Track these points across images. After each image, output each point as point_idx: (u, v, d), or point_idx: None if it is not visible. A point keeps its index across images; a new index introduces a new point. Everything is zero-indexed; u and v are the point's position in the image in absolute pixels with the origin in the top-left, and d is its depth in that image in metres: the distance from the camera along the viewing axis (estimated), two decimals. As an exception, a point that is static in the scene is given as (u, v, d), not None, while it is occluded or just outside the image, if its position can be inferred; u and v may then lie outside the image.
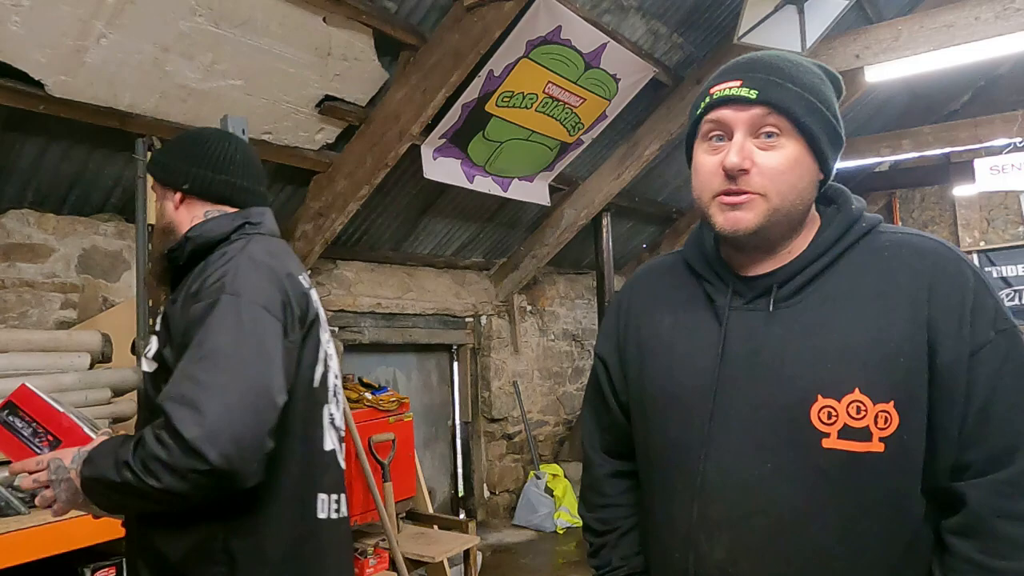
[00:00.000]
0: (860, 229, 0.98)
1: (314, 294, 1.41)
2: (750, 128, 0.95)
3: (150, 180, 1.49)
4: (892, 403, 0.91)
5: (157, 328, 1.32)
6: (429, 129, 3.73)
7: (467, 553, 3.61)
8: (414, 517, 3.92)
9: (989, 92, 7.76)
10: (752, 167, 0.93)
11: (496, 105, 3.84)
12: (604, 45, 3.80)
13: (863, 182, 7.96)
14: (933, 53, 4.18)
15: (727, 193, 0.95)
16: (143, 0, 2.50)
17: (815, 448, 0.92)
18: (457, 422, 5.75)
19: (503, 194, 4.55)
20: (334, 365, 1.43)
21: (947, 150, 6.14)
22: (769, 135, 0.94)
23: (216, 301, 1.18)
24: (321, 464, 1.33)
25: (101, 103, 2.74)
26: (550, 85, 3.90)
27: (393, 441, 3.61)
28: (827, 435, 0.92)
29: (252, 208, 1.43)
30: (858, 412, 0.91)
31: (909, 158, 7.12)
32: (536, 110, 4.04)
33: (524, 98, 3.91)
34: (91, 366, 2.41)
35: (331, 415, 1.38)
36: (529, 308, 6.19)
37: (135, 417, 1.50)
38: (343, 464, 1.42)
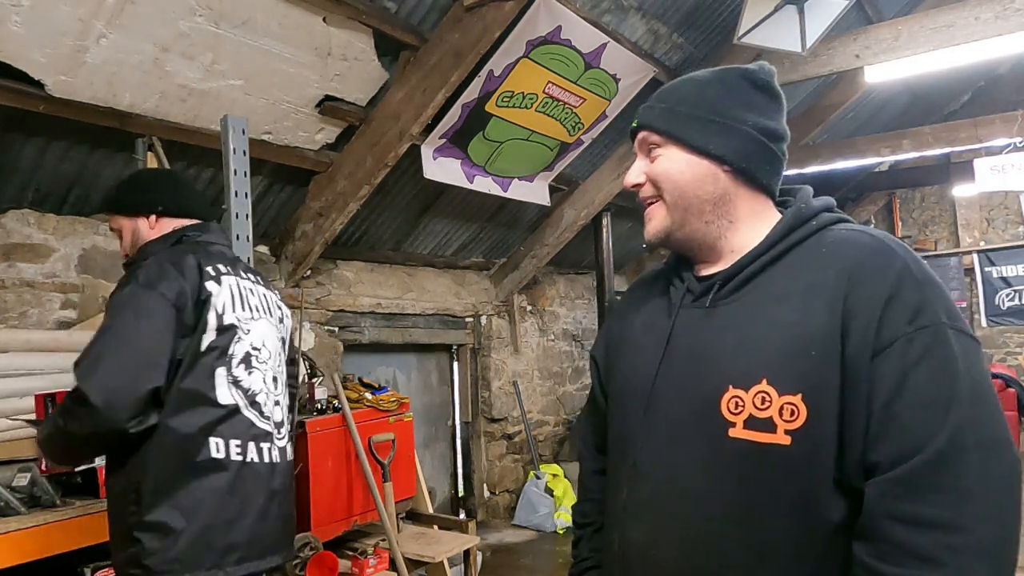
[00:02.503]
0: (809, 228, 1.00)
1: (228, 282, 1.74)
2: (643, 150, 1.11)
3: (111, 221, 1.91)
4: (800, 396, 0.90)
5: None
6: (429, 129, 3.73)
7: (467, 553, 3.61)
8: (414, 517, 3.92)
9: (989, 92, 7.76)
10: (645, 180, 1.09)
11: (496, 105, 3.84)
12: (604, 45, 3.80)
13: (863, 182, 7.96)
14: (933, 53, 4.17)
15: (643, 210, 1.11)
16: (143, 0, 2.50)
17: (723, 437, 0.94)
18: (457, 422, 5.75)
19: (503, 194, 4.55)
20: (266, 344, 1.80)
21: (947, 150, 6.13)
22: (651, 150, 1.09)
23: (119, 295, 1.64)
24: (214, 414, 1.63)
25: (101, 103, 2.74)
26: (550, 85, 3.90)
27: (393, 441, 3.60)
28: (733, 424, 0.94)
29: (203, 223, 1.92)
30: (763, 403, 0.92)
31: (909, 158, 7.12)
32: (536, 110, 4.04)
33: (524, 98, 3.91)
34: (91, 366, 2.40)
35: (234, 377, 1.69)
36: (529, 308, 6.19)
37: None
38: (259, 421, 1.73)
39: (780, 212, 1.07)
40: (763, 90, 1.06)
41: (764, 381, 0.92)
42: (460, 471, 5.74)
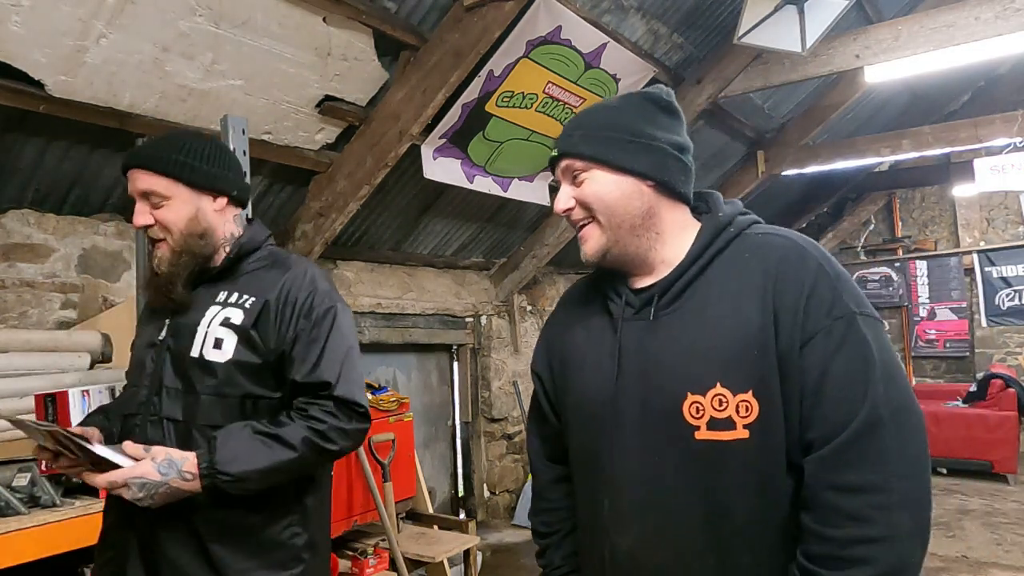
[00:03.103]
0: (729, 234, 1.10)
1: None
2: (566, 178, 1.17)
3: (150, 183, 1.46)
4: (751, 392, 1.01)
5: (235, 322, 1.43)
6: (429, 129, 3.73)
7: (467, 553, 3.61)
8: (414, 517, 3.92)
9: (989, 92, 7.76)
10: (575, 205, 1.16)
11: (496, 105, 3.84)
12: (604, 45, 3.80)
13: (863, 182, 7.97)
14: (933, 53, 4.18)
15: (576, 233, 1.17)
16: (143, 0, 2.50)
17: (690, 441, 1.03)
18: (457, 422, 5.75)
19: (503, 194, 4.55)
20: None
21: (947, 150, 6.13)
22: (575, 176, 1.15)
23: (333, 307, 1.48)
24: None
25: (101, 103, 2.74)
26: (550, 85, 3.90)
27: (393, 441, 3.61)
28: (698, 428, 1.03)
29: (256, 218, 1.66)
30: (721, 404, 1.02)
31: (909, 158, 7.12)
32: (536, 110, 4.04)
33: (524, 98, 3.91)
34: (91, 366, 2.41)
35: None
36: (529, 308, 6.19)
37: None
38: None
39: (696, 218, 1.17)
40: (666, 110, 1.16)
41: (719, 384, 1.02)
42: (460, 471, 5.74)
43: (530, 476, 5.95)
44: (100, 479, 1.30)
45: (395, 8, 3.18)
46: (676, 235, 1.13)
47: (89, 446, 1.28)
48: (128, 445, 1.34)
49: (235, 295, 1.47)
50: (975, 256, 8.16)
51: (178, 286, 1.46)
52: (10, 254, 2.92)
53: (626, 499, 1.09)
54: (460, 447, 5.75)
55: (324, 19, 2.98)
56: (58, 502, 2.01)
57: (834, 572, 0.95)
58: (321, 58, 3.12)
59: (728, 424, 1.01)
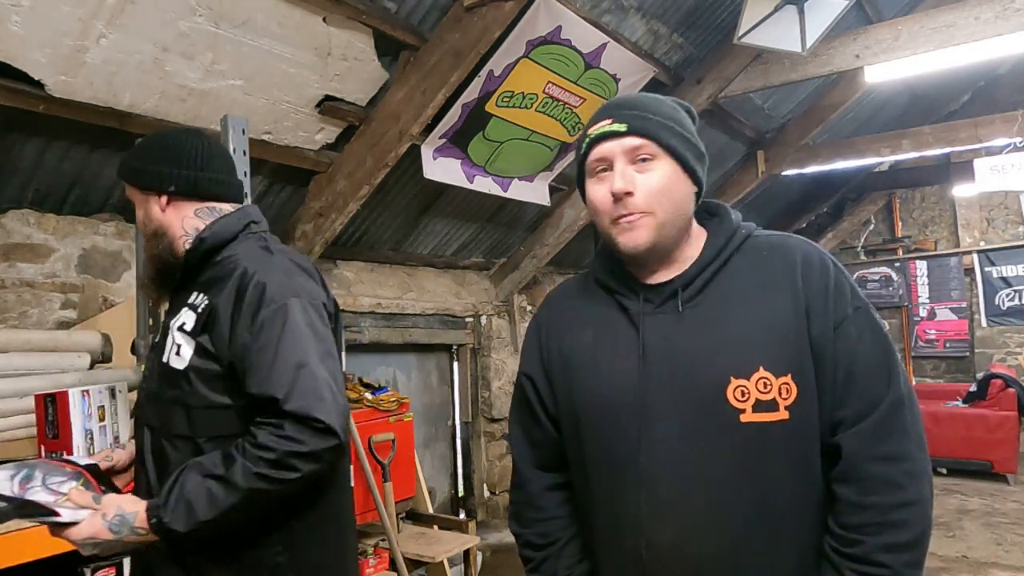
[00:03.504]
0: (741, 236, 1.16)
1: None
2: (627, 157, 1.10)
3: (129, 192, 1.51)
4: (790, 376, 1.06)
5: (187, 328, 1.35)
6: (429, 129, 3.73)
7: (467, 553, 3.61)
8: (414, 517, 3.92)
9: (989, 92, 7.76)
10: (635, 189, 1.09)
11: (496, 105, 3.84)
12: (604, 45, 3.80)
13: (863, 182, 7.96)
14: (933, 53, 4.18)
15: (621, 217, 1.10)
16: (143, 0, 2.50)
17: (735, 424, 1.06)
18: (457, 422, 5.75)
19: (503, 194, 4.55)
20: None
21: (947, 150, 6.13)
22: (644, 159, 1.10)
23: (285, 304, 1.30)
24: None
25: (101, 103, 2.74)
26: (550, 85, 3.90)
27: (393, 441, 3.61)
28: (743, 411, 1.06)
29: (248, 206, 1.55)
30: (765, 387, 1.06)
31: (909, 158, 7.12)
32: (536, 110, 4.04)
33: (524, 98, 3.91)
34: (91, 366, 2.40)
35: None
36: (529, 308, 6.19)
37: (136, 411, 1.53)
38: None
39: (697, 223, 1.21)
40: (693, 120, 1.20)
41: (761, 368, 1.06)
42: (460, 471, 5.74)
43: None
44: (57, 536, 1.27)
45: (395, 8, 3.18)
46: (693, 237, 1.18)
47: (44, 515, 1.23)
48: (75, 494, 1.27)
49: (196, 295, 1.37)
50: (975, 256, 8.16)
51: (150, 287, 1.49)
52: (10, 254, 2.92)
53: (661, 491, 1.08)
54: (460, 447, 5.75)
55: (324, 19, 2.98)
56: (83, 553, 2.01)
57: (879, 538, 1.02)
58: (321, 58, 3.12)
59: (772, 406, 1.05)
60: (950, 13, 4.10)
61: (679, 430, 1.07)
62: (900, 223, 8.93)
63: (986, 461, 6.39)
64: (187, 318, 1.35)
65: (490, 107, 3.83)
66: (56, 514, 1.23)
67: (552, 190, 4.96)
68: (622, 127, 1.10)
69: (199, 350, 1.32)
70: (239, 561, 1.32)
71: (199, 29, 2.71)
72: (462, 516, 5.46)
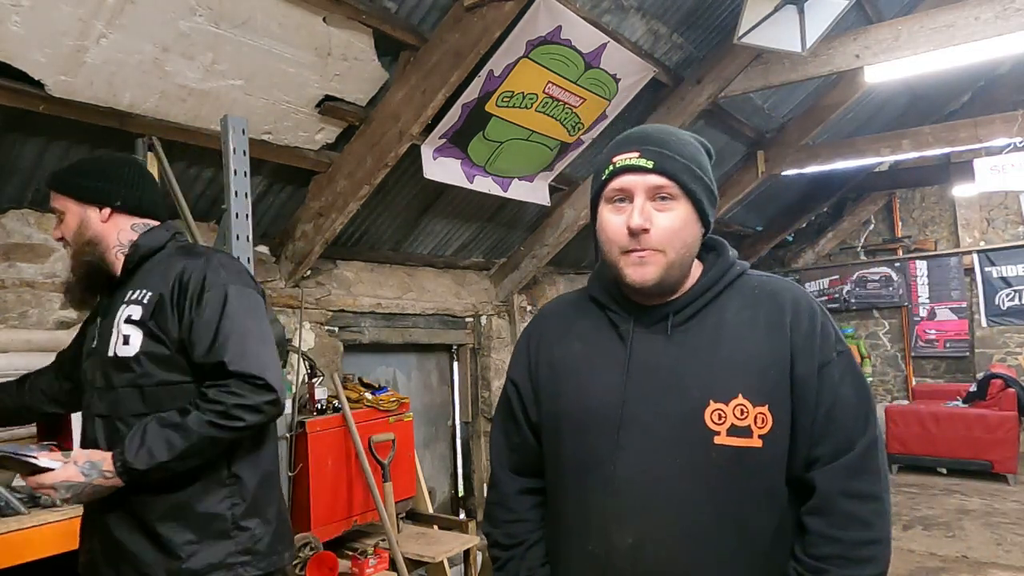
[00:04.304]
0: (735, 272, 1.22)
1: None
2: (648, 193, 1.13)
3: (54, 201, 1.68)
4: (767, 406, 1.12)
5: (135, 317, 1.56)
6: (429, 129, 3.73)
7: (467, 553, 3.61)
8: (414, 517, 3.92)
9: (989, 92, 7.76)
10: (652, 227, 1.13)
11: (496, 105, 3.84)
12: (604, 45, 3.80)
13: (863, 182, 7.96)
14: (933, 53, 4.17)
15: (633, 250, 1.14)
16: (143, 0, 2.50)
17: (709, 445, 1.11)
18: (457, 422, 5.75)
19: (503, 194, 4.55)
20: None
21: (947, 150, 6.13)
22: (664, 198, 1.14)
23: (224, 289, 1.56)
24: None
25: (101, 103, 2.74)
26: (550, 85, 3.90)
27: (393, 441, 3.61)
28: (718, 433, 1.11)
29: (172, 222, 1.80)
30: (742, 413, 1.11)
31: (909, 158, 7.12)
32: (536, 110, 4.04)
33: (524, 98, 3.91)
34: (91, 366, 2.40)
35: None
36: (529, 308, 6.19)
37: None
38: None
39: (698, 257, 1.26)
40: (710, 158, 1.23)
41: (740, 395, 1.11)
42: (460, 471, 5.74)
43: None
44: (31, 481, 1.46)
45: (395, 8, 3.18)
46: (691, 270, 1.23)
47: (24, 457, 1.45)
48: (47, 453, 1.49)
49: (136, 291, 1.59)
50: (975, 256, 8.16)
51: (75, 291, 1.66)
52: (10, 254, 2.92)
53: (628, 498, 1.13)
54: (460, 447, 5.75)
55: (324, 19, 2.98)
56: (58, 502, 2.01)
57: (841, 570, 1.08)
58: (321, 58, 3.12)
59: (746, 432, 1.11)
60: (950, 13, 4.10)
61: (653, 443, 1.13)
62: (900, 223, 8.93)
63: (986, 461, 6.39)
64: (132, 311, 1.56)
65: (490, 107, 3.83)
66: (34, 457, 1.44)
67: (552, 190, 4.96)
68: (648, 163, 1.13)
69: (149, 335, 1.54)
70: (193, 515, 1.53)
71: (199, 29, 2.70)
72: (462, 516, 5.46)
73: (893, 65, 4.35)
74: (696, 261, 1.24)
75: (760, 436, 1.11)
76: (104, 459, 1.47)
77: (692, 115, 4.82)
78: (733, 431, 1.11)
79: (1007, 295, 7.98)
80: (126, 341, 1.54)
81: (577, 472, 1.21)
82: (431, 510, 4.18)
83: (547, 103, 4.03)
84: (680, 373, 1.14)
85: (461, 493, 5.73)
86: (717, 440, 1.11)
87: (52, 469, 1.45)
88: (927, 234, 8.79)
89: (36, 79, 2.53)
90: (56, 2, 2.36)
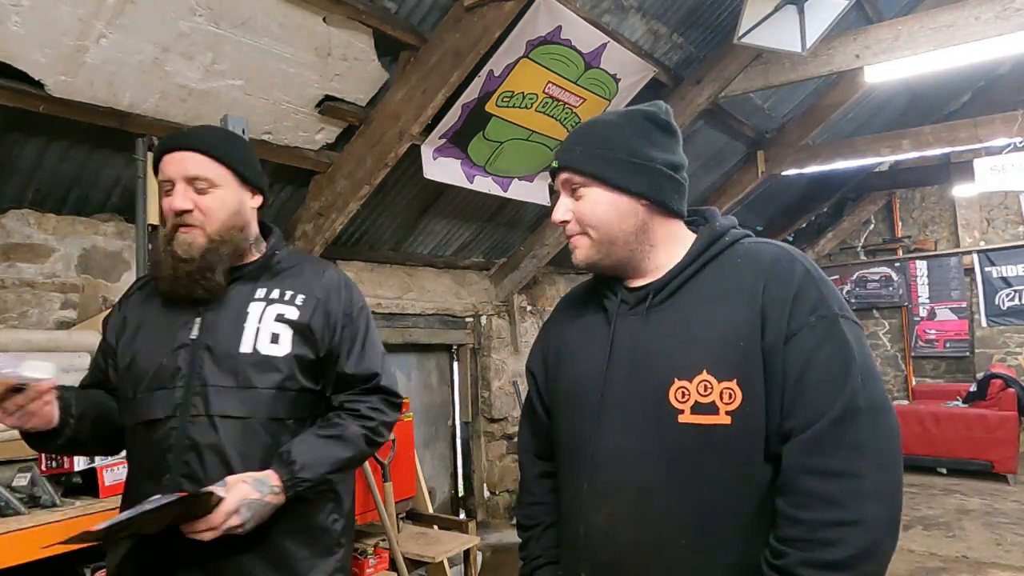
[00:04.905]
0: (723, 243, 1.18)
1: None
2: (565, 188, 1.22)
3: (202, 167, 1.41)
4: (735, 381, 1.06)
5: (290, 317, 1.45)
6: (429, 129, 3.73)
7: (467, 553, 3.61)
8: (414, 517, 3.92)
9: (989, 92, 7.76)
10: (569, 217, 1.21)
11: (496, 105, 3.84)
12: (604, 45, 3.80)
13: (863, 182, 7.97)
14: (933, 53, 4.17)
15: (568, 239, 1.24)
16: (143, 0, 2.50)
17: (673, 424, 1.08)
18: (457, 422, 5.75)
19: (503, 194, 4.55)
20: None
21: (947, 150, 6.13)
22: (574, 190, 1.21)
23: (365, 307, 1.57)
24: None
25: (101, 103, 2.74)
26: (550, 85, 3.90)
27: (393, 441, 3.60)
28: (682, 411, 1.08)
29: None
30: (706, 390, 1.07)
31: (909, 158, 7.12)
32: (536, 110, 4.04)
33: (524, 98, 3.91)
34: (91, 366, 2.40)
35: None
36: (529, 308, 6.19)
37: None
38: None
39: (691, 231, 1.24)
40: (664, 129, 1.22)
41: (705, 371, 1.08)
42: (460, 471, 5.74)
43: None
44: (220, 515, 1.24)
45: (395, 8, 3.18)
46: (670, 246, 1.21)
47: (161, 501, 1.19)
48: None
49: (277, 291, 1.47)
50: (975, 256, 8.16)
51: (217, 274, 1.41)
52: (10, 254, 2.92)
53: (602, 478, 1.14)
54: (460, 447, 5.75)
55: (324, 19, 2.98)
56: (58, 502, 2.01)
57: (803, 553, 0.99)
58: (321, 58, 3.12)
59: (711, 409, 1.07)
60: (950, 13, 4.10)
61: (625, 425, 1.13)
62: (900, 223, 8.93)
63: (986, 461, 6.39)
64: (284, 310, 1.45)
65: (490, 107, 3.83)
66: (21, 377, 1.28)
67: (552, 190, 4.96)
68: (555, 164, 1.23)
69: (302, 337, 1.44)
70: (308, 529, 1.44)
71: (199, 29, 2.70)
72: (462, 516, 5.46)
73: (893, 65, 4.36)
74: (691, 235, 1.23)
75: (728, 412, 1.06)
76: (267, 475, 1.33)
77: (692, 115, 4.82)
78: (697, 408, 1.07)
79: (1007, 295, 7.98)
80: (275, 340, 1.41)
81: (568, 454, 1.24)
82: (431, 510, 4.18)
83: (547, 103, 4.03)
84: (652, 352, 1.13)
85: (461, 493, 5.73)
86: (681, 419, 1.08)
87: (43, 379, 1.26)
88: (927, 234, 8.79)
89: (36, 79, 2.53)
90: (56, 2, 2.36)
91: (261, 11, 2.79)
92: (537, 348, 1.40)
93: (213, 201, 1.42)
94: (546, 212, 5.30)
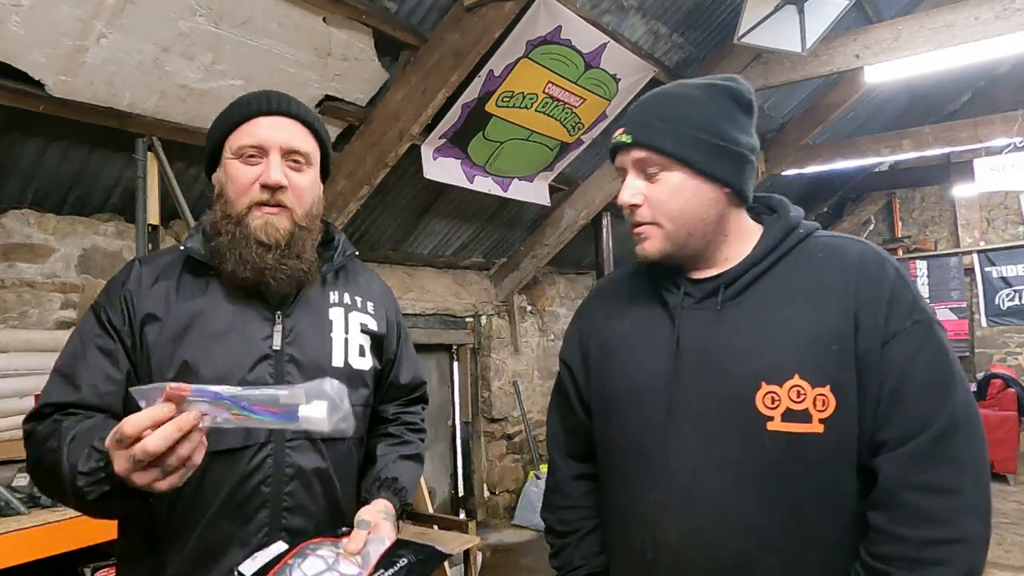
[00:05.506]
0: (797, 235, 1.10)
1: None
2: (636, 168, 1.08)
3: (303, 140, 1.19)
4: (828, 387, 0.99)
5: (372, 328, 1.30)
6: (429, 129, 3.73)
7: (467, 553, 3.60)
8: (414, 517, 3.92)
9: (989, 92, 7.76)
10: (643, 201, 1.07)
11: (496, 105, 3.84)
12: (604, 45, 3.80)
13: (863, 182, 7.96)
14: (933, 53, 4.17)
15: (635, 226, 1.10)
16: (143, 0, 2.50)
17: (761, 431, 1.00)
18: (457, 422, 5.75)
19: (503, 194, 4.55)
20: None
21: (947, 150, 6.13)
22: (650, 171, 1.07)
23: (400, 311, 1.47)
24: None
25: (101, 103, 2.74)
26: (550, 85, 3.90)
27: (393, 441, 3.60)
28: (771, 418, 1.00)
29: None
30: (799, 396, 0.99)
31: (909, 158, 7.12)
32: (536, 110, 4.04)
33: (524, 98, 3.91)
34: (91, 366, 2.40)
35: None
36: (529, 308, 6.19)
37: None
38: None
39: (753, 219, 1.15)
40: (746, 108, 1.12)
41: (796, 376, 0.99)
42: (460, 471, 5.74)
43: (533, 473, 5.91)
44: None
45: (395, 8, 3.18)
46: (740, 236, 1.12)
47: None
48: (350, 548, 1.05)
49: (348, 296, 1.29)
50: (975, 256, 8.16)
51: (309, 266, 1.19)
52: (10, 254, 2.92)
53: (674, 489, 1.04)
54: (460, 447, 5.75)
55: (324, 19, 2.98)
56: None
57: (907, 572, 0.94)
58: (321, 58, 3.12)
59: (804, 417, 0.99)
60: (950, 13, 4.10)
61: (701, 430, 1.03)
62: (900, 223, 8.93)
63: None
64: (365, 320, 1.29)
65: (490, 107, 3.83)
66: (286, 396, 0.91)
67: (552, 190, 4.96)
68: (628, 139, 1.07)
69: (377, 350, 1.31)
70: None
71: (199, 29, 2.70)
72: (462, 516, 5.46)
73: (893, 65, 4.35)
74: (756, 226, 1.13)
75: (821, 420, 0.98)
76: (386, 506, 1.18)
77: (692, 115, 4.82)
78: (789, 416, 0.98)
79: (1007, 295, 7.98)
80: (362, 352, 1.26)
81: (623, 459, 1.13)
82: (431, 510, 4.18)
83: (547, 103, 4.03)
84: (730, 352, 1.03)
85: (461, 493, 5.73)
86: (771, 426, 0.99)
87: (318, 419, 0.93)
88: (927, 234, 8.79)
89: (36, 79, 2.53)
90: (56, 2, 2.36)
91: (261, 11, 2.79)
92: (573, 338, 1.27)
93: (305, 181, 1.19)
94: (546, 212, 5.30)
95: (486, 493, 5.71)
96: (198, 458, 0.89)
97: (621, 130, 1.09)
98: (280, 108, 1.18)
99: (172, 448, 0.85)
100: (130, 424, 0.85)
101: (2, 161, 2.79)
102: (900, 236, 8.87)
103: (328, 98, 3.36)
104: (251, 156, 1.15)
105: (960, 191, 7.67)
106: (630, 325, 1.16)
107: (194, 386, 0.86)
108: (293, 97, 1.22)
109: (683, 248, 1.08)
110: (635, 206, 1.08)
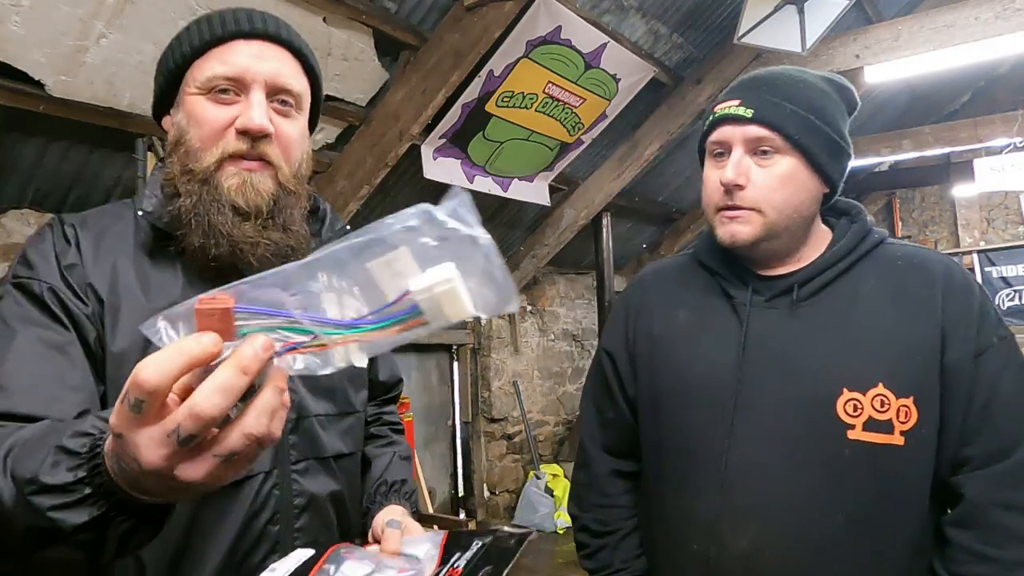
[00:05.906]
0: (873, 240, 1.05)
1: None
2: (747, 145, 1.00)
3: (294, 76, 0.92)
4: (912, 398, 0.95)
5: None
6: (429, 129, 3.73)
7: (467, 553, 3.60)
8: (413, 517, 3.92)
9: (989, 92, 7.76)
10: (748, 183, 1.00)
11: (496, 105, 3.84)
12: (604, 45, 3.80)
13: (863, 182, 7.96)
14: (933, 53, 4.17)
15: (726, 208, 1.02)
16: (143, 0, 2.50)
17: (840, 439, 0.95)
18: (457, 422, 5.75)
19: (503, 194, 4.55)
20: None
21: (947, 150, 6.14)
22: (765, 152, 1.00)
23: None
24: None
25: (101, 103, 2.74)
26: (550, 85, 3.90)
27: (393, 441, 3.60)
28: (852, 427, 0.95)
29: None
30: (882, 405, 0.95)
31: (909, 158, 7.12)
32: (536, 110, 4.04)
33: (524, 98, 3.91)
34: (91, 366, 2.40)
35: None
36: (529, 308, 6.19)
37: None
38: None
39: (828, 223, 1.11)
40: (852, 111, 1.11)
41: (880, 384, 0.95)
42: (460, 471, 5.74)
43: (533, 473, 5.91)
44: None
45: (395, 8, 3.18)
46: (815, 237, 1.08)
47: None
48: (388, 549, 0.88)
49: (335, 280, 1.00)
50: (975, 256, 8.15)
51: (301, 235, 0.90)
52: (10, 254, 2.92)
53: (743, 495, 0.99)
54: (460, 447, 5.75)
55: (324, 19, 2.98)
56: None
57: None
58: (321, 58, 3.11)
59: (886, 428, 0.95)
60: (950, 13, 4.10)
61: (774, 436, 0.98)
62: (900, 223, 8.93)
63: (986, 461, 6.39)
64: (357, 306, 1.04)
65: (490, 107, 3.83)
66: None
67: (552, 190, 4.96)
68: (748, 112, 0.99)
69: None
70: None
71: (199, 29, 2.71)
72: (462, 516, 5.46)
73: (893, 65, 4.36)
74: (825, 229, 1.09)
75: (903, 433, 0.94)
76: (402, 512, 1.04)
77: (692, 115, 4.81)
78: (871, 425, 0.94)
79: (1007, 295, 7.98)
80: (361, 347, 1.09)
81: (679, 458, 1.06)
82: (431, 510, 4.18)
83: (547, 103, 4.03)
84: (808, 355, 0.99)
85: (461, 493, 5.73)
86: (851, 435, 0.95)
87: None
88: (927, 234, 8.78)
89: (36, 79, 2.53)
90: (56, 2, 2.36)
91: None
92: (618, 327, 1.20)
93: (295, 130, 0.90)
94: (546, 212, 5.30)
95: (486, 493, 5.71)
96: (277, 428, 0.51)
97: (735, 101, 1.01)
98: (266, 30, 0.88)
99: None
100: (154, 370, 0.45)
101: (2, 161, 2.79)
102: (900, 236, 8.86)
103: (328, 98, 3.36)
104: (224, 91, 0.86)
105: (960, 191, 7.67)
106: (686, 318, 1.10)
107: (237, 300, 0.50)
108: (281, 19, 0.93)
109: (775, 240, 1.02)
110: (738, 187, 1.00)
